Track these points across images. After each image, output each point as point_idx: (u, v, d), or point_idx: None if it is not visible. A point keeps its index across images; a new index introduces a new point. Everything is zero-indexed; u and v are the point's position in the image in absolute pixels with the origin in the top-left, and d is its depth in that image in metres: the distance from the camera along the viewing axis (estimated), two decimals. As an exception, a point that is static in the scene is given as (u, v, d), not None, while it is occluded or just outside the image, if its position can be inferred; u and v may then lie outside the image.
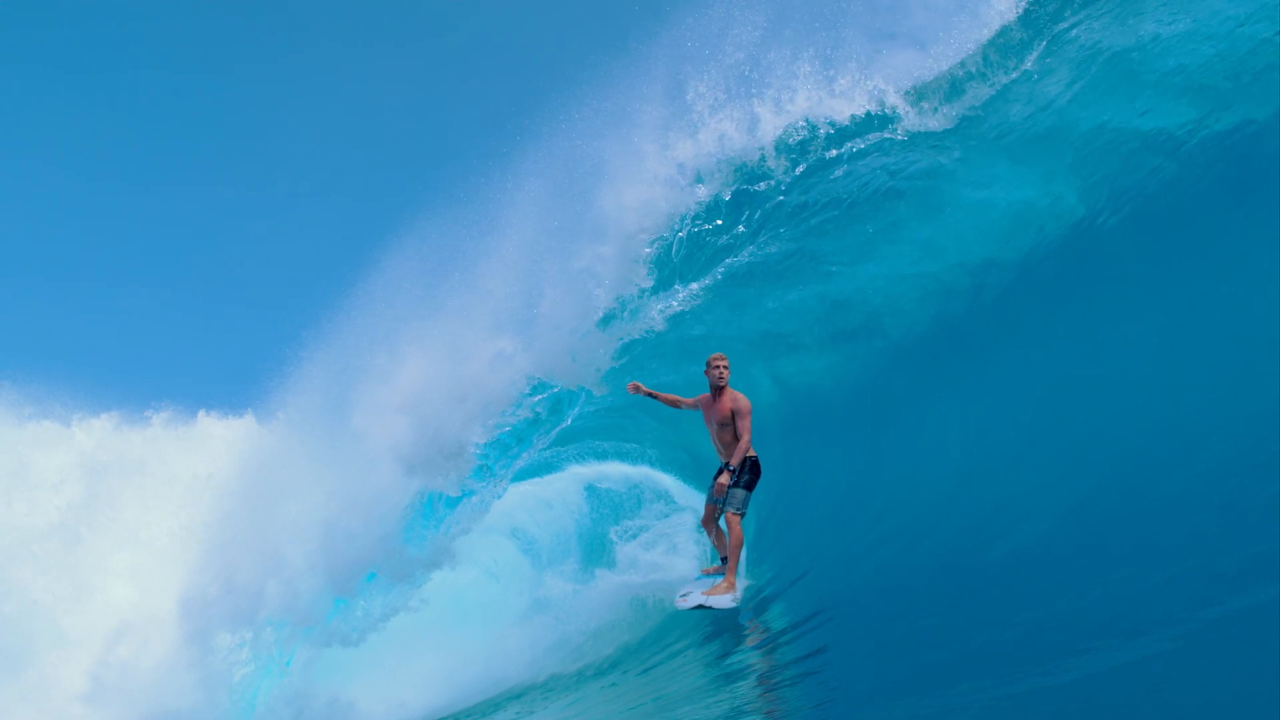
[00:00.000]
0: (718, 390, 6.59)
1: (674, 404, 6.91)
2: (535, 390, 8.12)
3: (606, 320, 8.10)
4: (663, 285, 8.28)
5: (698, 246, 8.09)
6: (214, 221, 41.52)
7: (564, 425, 8.87)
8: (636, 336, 8.16)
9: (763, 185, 7.93)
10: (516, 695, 7.34)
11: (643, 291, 8.17)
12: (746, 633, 6.17)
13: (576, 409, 8.82)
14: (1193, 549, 3.64)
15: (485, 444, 7.94)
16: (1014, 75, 7.27)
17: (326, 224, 42.19)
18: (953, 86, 7.55)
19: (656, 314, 8.20)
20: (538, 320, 7.76)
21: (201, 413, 15.44)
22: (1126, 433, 4.90)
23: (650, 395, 6.84)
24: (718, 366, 6.55)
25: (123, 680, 9.18)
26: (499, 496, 8.26)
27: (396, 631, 8.21)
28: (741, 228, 7.98)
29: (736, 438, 6.49)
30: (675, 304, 8.19)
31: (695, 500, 9.57)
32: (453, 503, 8.31)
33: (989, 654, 3.75)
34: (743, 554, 6.71)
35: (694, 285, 8.19)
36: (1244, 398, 4.29)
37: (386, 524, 8.27)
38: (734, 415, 6.47)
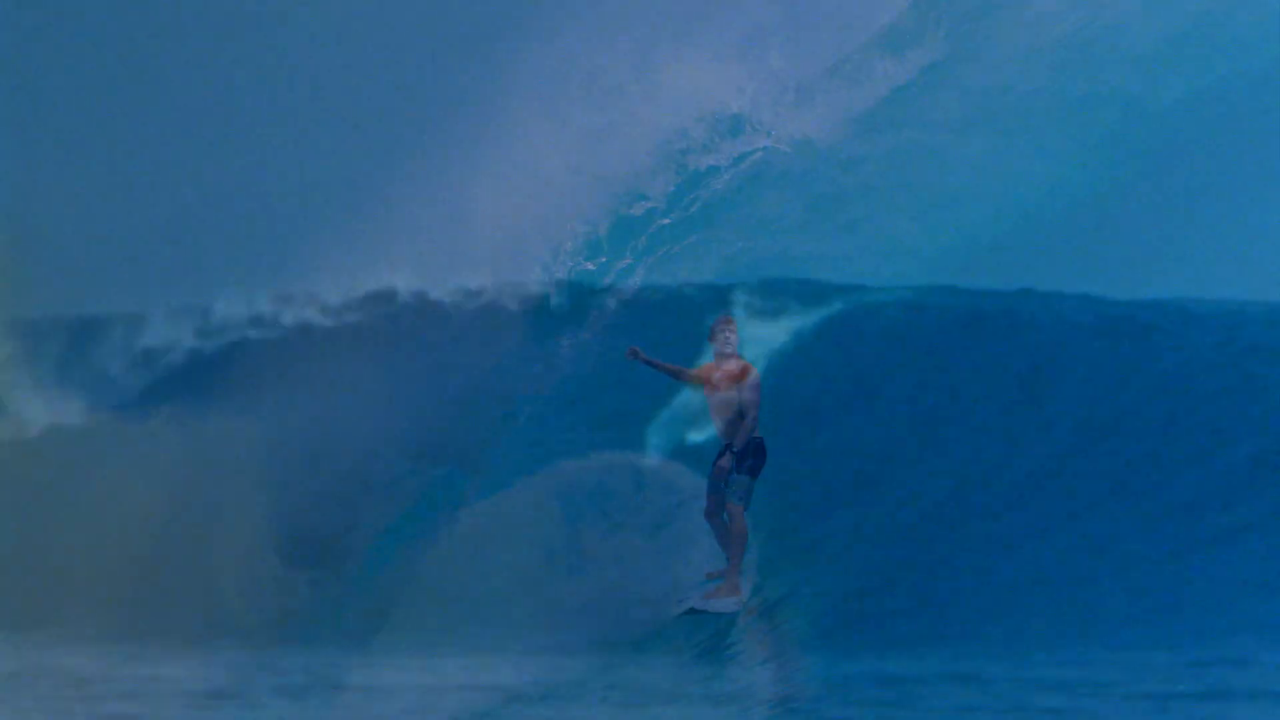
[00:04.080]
0: (723, 359, 6.06)
1: (676, 375, 6.36)
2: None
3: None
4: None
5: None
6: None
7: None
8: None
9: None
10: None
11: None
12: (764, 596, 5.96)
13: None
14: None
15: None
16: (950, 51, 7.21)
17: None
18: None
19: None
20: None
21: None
22: (1105, 399, 5.14)
23: (650, 364, 6.30)
24: (725, 331, 6.06)
25: None
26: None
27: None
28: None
29: (741, 414, 5.90)
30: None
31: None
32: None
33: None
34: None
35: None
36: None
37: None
38: (739, 388, 5.94)
